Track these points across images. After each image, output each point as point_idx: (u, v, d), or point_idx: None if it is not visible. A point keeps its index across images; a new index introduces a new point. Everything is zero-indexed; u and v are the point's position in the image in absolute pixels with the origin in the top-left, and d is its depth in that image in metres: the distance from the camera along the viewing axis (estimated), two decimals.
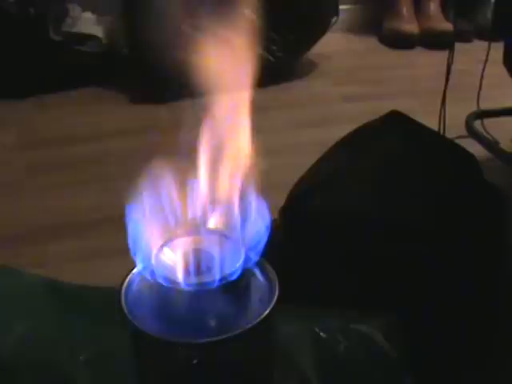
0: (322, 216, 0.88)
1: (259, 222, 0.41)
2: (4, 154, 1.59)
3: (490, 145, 1.49)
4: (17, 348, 0.56)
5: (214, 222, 0.42)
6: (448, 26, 2.18)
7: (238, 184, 0.42)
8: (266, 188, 0.43)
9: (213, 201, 0.42)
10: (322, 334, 0.57)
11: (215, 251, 0.40)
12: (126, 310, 0.42)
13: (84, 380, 0.54)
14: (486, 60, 1.51)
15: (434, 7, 2.33)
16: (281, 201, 0.93)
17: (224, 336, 0.39)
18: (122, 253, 0.44)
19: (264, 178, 0.43)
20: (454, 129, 1.48)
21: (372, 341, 0.59)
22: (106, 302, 0.59)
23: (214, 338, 0.39)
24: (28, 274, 0.66)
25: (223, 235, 0.41)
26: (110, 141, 1.63)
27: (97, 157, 1.56)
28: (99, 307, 0.61)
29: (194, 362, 0.44)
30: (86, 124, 1.74)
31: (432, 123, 1.34)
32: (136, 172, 0.43)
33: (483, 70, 1.53)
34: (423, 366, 0.62)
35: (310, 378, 0.54)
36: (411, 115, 1.00)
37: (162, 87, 1.75)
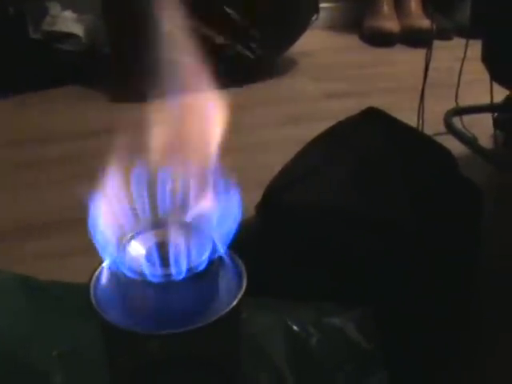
0: (297, 211, 0.88)
1: (228, 212, 0.41)
2: None
3: (469, 141, 1.50)
4: None
5: (181, 213, 0.42)
6: (428, 24, 2.19)
7: (207, 176, 0.42)
8: (244, 185, 0.43)
9: (181, 193, 0.42)
10: (294, 326, 0.57)
11: (182, 243, 0.40)
12: (95, 304, 0.42)
13: (56, 375, 0.54)
14: (464, 57, 1.52)
15: (414, 5, 2.34)
16: (259, 197, 0.93)
17: (192, 327, 0.39)
18: (97, 250, 0.44)
19: (243, 175, 0.43)
20: (433, 125, 1.49)
21: (345, 333, 0.59)
22: (78, 298, 0.59)
23: (182, 330, 0.39)
24: (1, 269, 0.66)
25: (190, 226, 0.42)
26: (90, 140, 1.63)
27: (77, 155, 1.56)
28: (72, 303, 0.61)
29: (166, 354, 0.44)
30: (66, 123, 1.73)
31: (412, 120, 1.34)
32: (115, 171, 0.43)
33: (461, 67, 1.53)
34: (397, 358, 0.62)
35: (283, 371, 0.54)
36: (391, 112, 1.00)
37: (143, 86, 1.75)
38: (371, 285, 0.84)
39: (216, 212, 0.41)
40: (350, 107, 1.09)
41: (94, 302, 0.42)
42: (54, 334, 0.57)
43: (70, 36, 1.95)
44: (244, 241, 0.44)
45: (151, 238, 0.41)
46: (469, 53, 1.53)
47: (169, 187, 0.42)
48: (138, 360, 0.44)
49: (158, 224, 0.42)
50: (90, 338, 0.51)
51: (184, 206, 0.42)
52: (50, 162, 1.54)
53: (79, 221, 1.27)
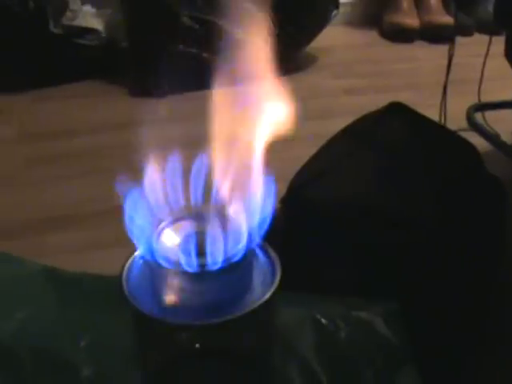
0: (321, 206, 0.88)
1: (263, 203, 0.41)
2: (4, 146, 1.59)
3: (491, 137, 1.49)
4: (17, 334, 0.56)
5: (217, 203, 0.41)
6: (448, 20, 2.18)
7: (242, 167, 0.42)
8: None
9: (217, 183, 0.42)
10: (322, 320, 0.57)
11: (218, 233, 0.40)
12: (127, 293, 0.41)
13: (85, 366, 0.54)
14: (487, 53, 1.51)
15: (434, 1, 2.32)
16: (280, 192, 0.93)
17: (225, 318, 0.39)
18: (120, 244, 0.43)
19: (264, 170, 0.43)
20: (455, 121, 1.48)
21: (373, 327, 0.58)
22: (106, 289, 0.59)
23: (216, 321, 0.39)
24: (28, 261, 0.66)
25: (226, 217, 0.41)
26: (110, 133, 1.63)
27: (96, 149, 1.56)
28: (99, 294, 0.60)
29: (196, 345, 0.44)
30: (85, 117, 1.74)
31: (433, 116, 1.33)
32: (135, 164, 0.43)
33: (484, 62, 1.52)
34: (424, 352, 0.62)
35: (311, 364, 0.53)
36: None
37: (162, 80, 1.75)
38: (394, 280, 0.83)
39: (252, 203, 0.41)
40: (370, 103, 1.08)
41: (126, 291, 0.41)
42: (81, 325, 0.57)
43: (89, 30, 1.95)
44: (268, 234, 0.43)
45: (186, 227, 0.41)
46: (490, 49, 1.52)
47: (204, 178, 0.41)
48: (169, 351, 0.44)
49: (192, 214, 0.42)
50: (118, 329, 0.50)
51: (219, 196, 0.41)
52: (70, 155, 1.55)
53: (100, 214, 1.28)
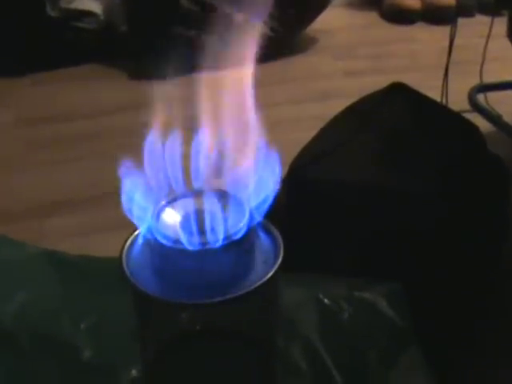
0: (322, 187, 0.87)
1: (266, 180, 0.40)
2: (2, 130, 1.58)
3: (493, 118, 1.49)
4: (18, 316, 0.56)
5: (218, 180, 0.41)
6: (450, 1, 2.16)
7: (245, 144, 0.41)
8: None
9: (218, 160, 0.41)
10: (326, 300, 0.56)
11: (219, 210, 0.39)
12: (127, 273, 0.40)
13: (85, 348, 0.53)
14: (489, 34, 1.50)
15: None
16: (282, 172, 0.92)
17: (227, 297, 0.38)
18: (120, 227, 0.43)
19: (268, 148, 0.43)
20: (457, 103, 1.47)
21: (376, 308, 0.58)
22: (105, 272, 0.59)
23: (217, 299, 0.38)
24: (28, 244, 0.66)
25: (227, 194, 0.41)
26: (109, 117, 1.62)
27: (95, 133, 1.55)
28: (99, 276, 0.60)
29: (197, 327, 0.43)
30: (84, 100, 1.73)
31: (435, 97, 1.32)
32: (135, 147, 0.42)
33: (486, 43, 1.51)
34: (427, 332, 0.61)
35: (314, 345, 0.53)
36: None
37: (161, 63, 1.74)
38: (396, 260, 0.83)
39: (253, 180, 0.40)
40: (370, 85, 1.07)
41: (126, 270, 0.41)
42: (81, 307, 0.57)
43: (87, 14, 1.94)
44: (268, 215, 0.42)
45: (187, 205, 0.40)
46: (492, 29, 1.51)
47: (204, 156, 0.41)
48: (170, 331, 0.44)
49: (193, 192, 0.41)
50: (118, 311, 0.50)
51: (221, 173, 0.41)
52: (69, 139, 1.54)
53: (99, 197, 1.27)
